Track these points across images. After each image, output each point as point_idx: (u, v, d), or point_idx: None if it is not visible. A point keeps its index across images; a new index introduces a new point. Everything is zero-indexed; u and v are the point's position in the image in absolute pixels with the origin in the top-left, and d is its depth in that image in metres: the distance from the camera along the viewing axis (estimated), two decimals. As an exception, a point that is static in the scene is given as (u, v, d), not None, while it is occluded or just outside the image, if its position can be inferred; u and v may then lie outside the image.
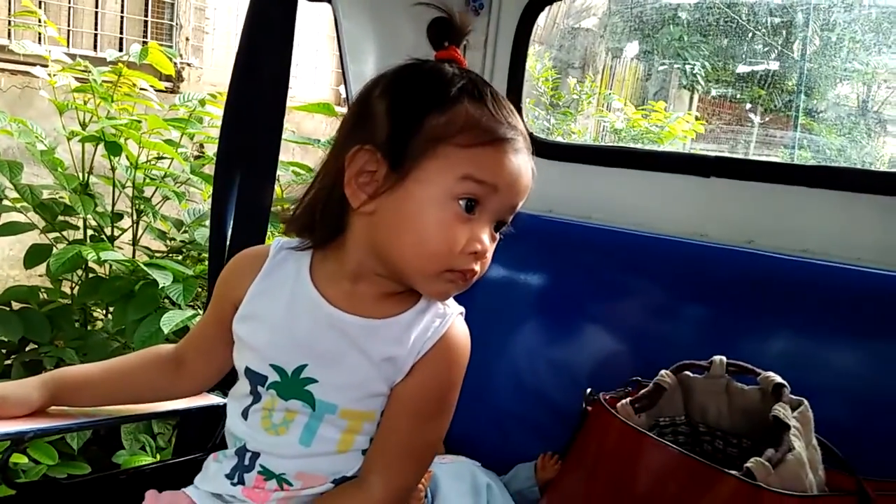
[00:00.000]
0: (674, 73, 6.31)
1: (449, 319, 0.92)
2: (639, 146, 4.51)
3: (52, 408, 1.04)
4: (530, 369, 1.45)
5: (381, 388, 0.90)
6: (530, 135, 1.49)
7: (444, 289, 0.88)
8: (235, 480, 0.94)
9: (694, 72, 5.94)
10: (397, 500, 0.92)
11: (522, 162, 0.87)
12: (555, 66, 5.13)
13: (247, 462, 0.94)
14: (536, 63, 4.49)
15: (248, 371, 0.95)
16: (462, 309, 0.95)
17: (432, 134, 0.85)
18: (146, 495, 0.99)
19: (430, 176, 0.85)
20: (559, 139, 4.41)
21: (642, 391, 0.99)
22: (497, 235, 0.89)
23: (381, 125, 0.87)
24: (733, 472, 0.83)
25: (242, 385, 0.96)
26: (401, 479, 0.91)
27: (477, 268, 0.86)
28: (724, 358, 1.01)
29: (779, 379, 0.97)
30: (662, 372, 0.99)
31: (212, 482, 0.97)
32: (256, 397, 0.94)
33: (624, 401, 0.96)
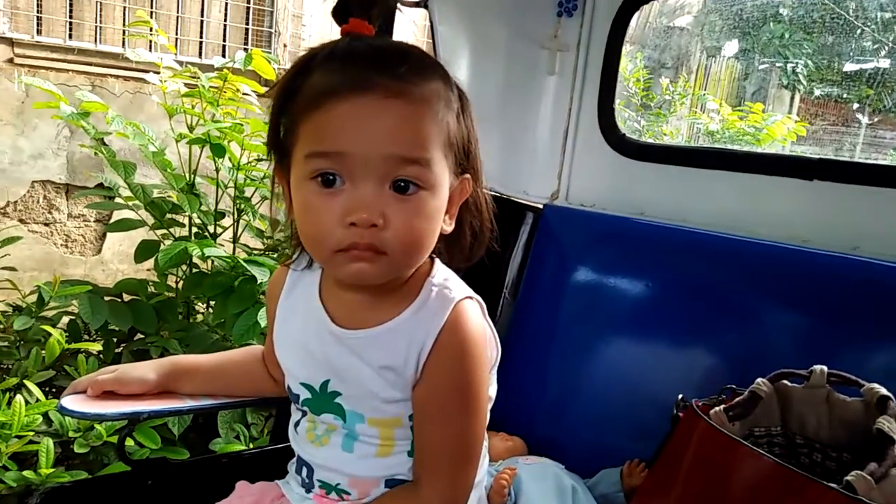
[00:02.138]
0: (773, 73, 6.04)
1: (446, 311, 0.86)
2: (737, 147, 4.35)
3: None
4: (619, 374, 1.43)
5: (392, 394, 0.89)
6: (621, 135, 1.45)
7: (349, 270, 0.81)
8: (307, 490, 0.99)
9: (796, 70, 5.66)
10: (452, 501, 0.90)
11: (367, 107, 0.77)
12: (647, 65, 5.01)
13: (306, 475, 0.98)
14: (628, 63, 4.40)
15: (288, 389, 0.99)
16: (468, 293, 0.90)
17: (292, 120, 0.82)
18: (237, 486, 1.04)
19: (294, 163, 0.82)
20: (650, 140, 4.32)
21: (737, 399, 0.96)
22: (405, 195, 0.80)
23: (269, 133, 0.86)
24: (833, 485, 0.80)
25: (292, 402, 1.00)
26: (448, 482, 0.89)
27: (363, 239, 0.79)
28: (825, 368, 0.97)
29: (884, 391, 0.92)
30: (759, 380, 0.96)
31: (294, 485, 1.01)
32: (301, 412, 0.99)
33: (717, 408, 0.93)
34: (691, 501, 0.94)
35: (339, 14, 0.86)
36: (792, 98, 6.11)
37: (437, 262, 0.94)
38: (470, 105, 0.91)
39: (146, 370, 1.07)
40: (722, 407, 0.95)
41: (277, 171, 0.88)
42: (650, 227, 1.47)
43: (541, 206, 1.61)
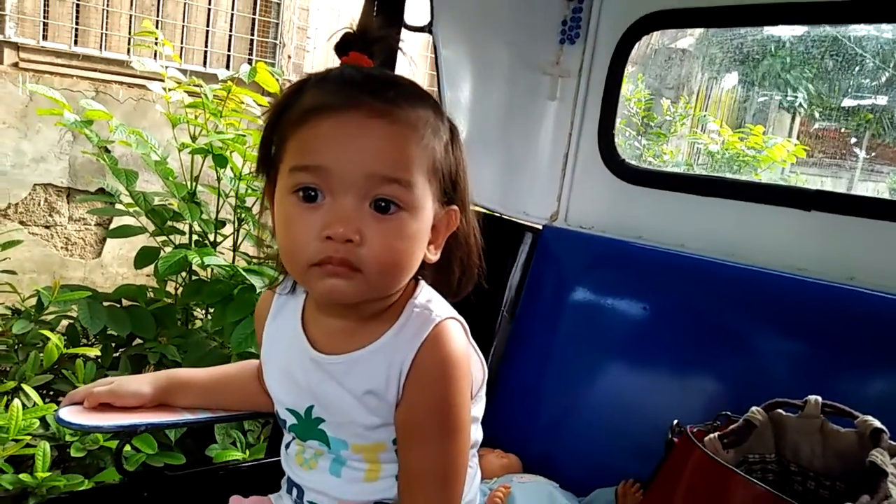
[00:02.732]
0: (774, 96, 6.10)
1: (426, 331, 0.86)
2: (736, 176, 4.37)
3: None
4: (615, 394, 1.44)
5: (373, 420, 0.89)
6: (621, 160, 1.47)
7: (323, 286, 0.81)
8: None
9: (796, 99, 5.72)
10: None
11: (351, 125, 0.79)
12: (648, 86, 5.06)
13: (296, 496, 0.99)
14: (629, 84, 4.44)
15: (276, 415, 1.00)
16: (450, 314, 0.90)
17: (280, 137, 0.84)
18: (231, 500, 1.04)
19: (279, 178, 0.84)
20: (651, 165, 4.33)
21: (731, 426, 0.97)
22: (385, 215, 0.80)
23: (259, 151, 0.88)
24: (825, 515, 0.81)
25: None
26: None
27: (337, 253, 0.79)
28: (819, 398, 0.98)
29: (878, 423, 0.93)
30: (753, 409, 0.98)
31: (287, 499, 1.02)
32: (290, 436, 0.99)
33: (712, 435, 0.95)
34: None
35: (341, 48, 0.87)
36: (792, 122, 6.16)
37: (423, 283, 0.93)
38: (460, 139, 0.92)
39: (142, 383, 1.08)
40: (717, 434, 0.96)
41: (267, 190, 0.89)
42: (648, 251, 1.48)
43: (540, 227, 1.62)
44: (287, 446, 1.01)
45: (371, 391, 0.88)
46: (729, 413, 1.03)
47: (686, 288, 1.41)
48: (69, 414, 1.01)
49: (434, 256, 0.89)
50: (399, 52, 0.96)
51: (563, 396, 1.48)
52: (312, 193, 0.80)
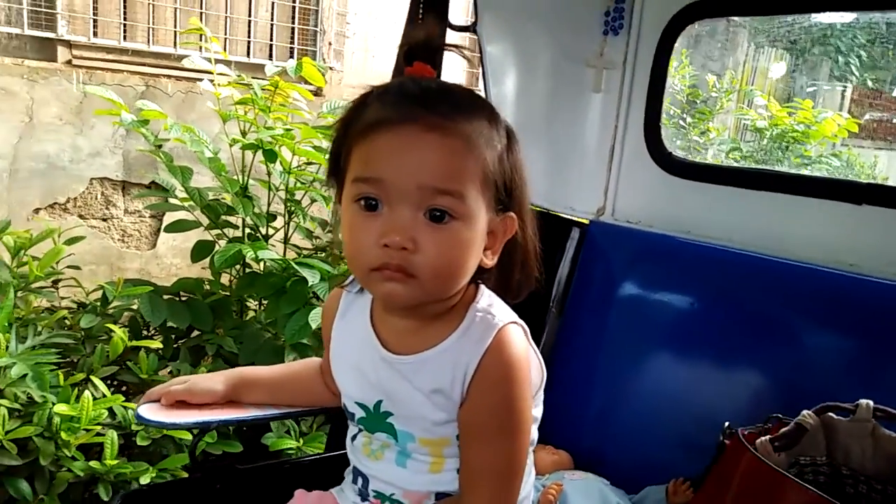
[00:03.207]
0: (824, 67, 5.90)
1: (490, 336, 0.90)
2: (785, 170, 4.26)
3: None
4: (664, 390, 1.45)
5: (440, 416, 0.94)
6: (667, 153, 1.46)
7: (382, 290, 0.87)
8: (362, 498, 1.04)
9: (848, 69, 5.51)
10: None
11: (406, 139, 0.84)
12: (691, 61, 4.95)
13: (362, 485, 1.04)
14: (673, 61, 4.33)
15: (344, 407, 1.05)
16: (512, 318, 0.94)
17: (346, 149, 0.90)
18: (295, 494, 1.11)
19: (345, 187, 0.90)
20: (696, 144, 4.26)
21: (783, 430, 0.98)
22: (439, 224, 0.85)
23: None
24: (877, 518, 0.83)
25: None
26: (494, 498, 0.93)
27: (393, 260, 0.84)
28: (871, 402, 0.99)
29: (930, 426, 0.94)
30: (805, 412, 0.99)
31: (350, 493, 1.07)
32: (357, 428, 1.04)
33: (763, 438, 0.96)
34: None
35: (406, 58, 0.93)
36: (843, 95, 5.96)
37: (483, 288, 0.98)
38: (517, 145, 0.95)
39: (215, 382, 1.14)
40: (768, 437, 0.97)
41: (337, 197, 0.95)
42: (695, 245, 1.48)
43: (587, 222, 1.63)
44: (353, 438, 1.06)
45: (438, 390, 0.93)
46: (780, 415, 1.04)
47: (734, 283, 1.41)
48: (148, 411, 1.07)
49: (491, 262, 0.93)
50: (455, 52, 0.99)
51: (611, 392, 1.50)
52: (373, 203, 0.86)
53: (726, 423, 1.05)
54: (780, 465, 0.92)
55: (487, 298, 0.97)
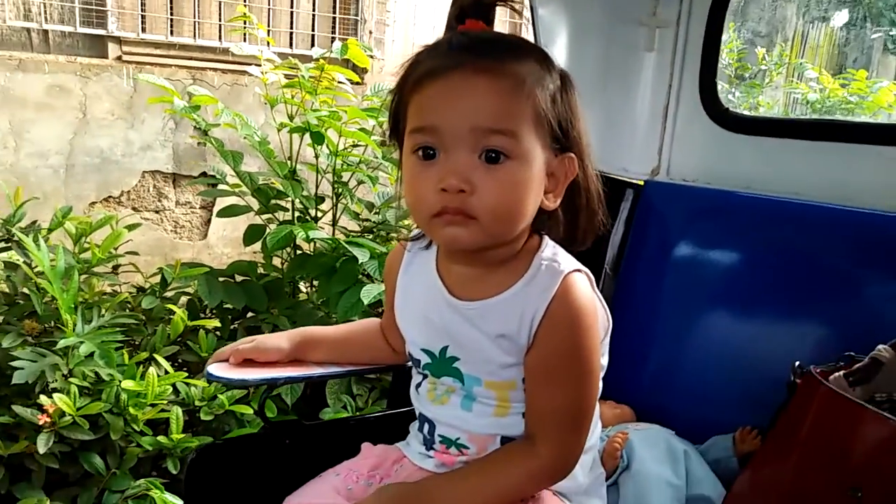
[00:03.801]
0: (877, 36, 5.70)
1: (556, 283, 0.91)
2: (848, 118, 4.13)
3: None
4: (724, 345, 1.43)
5: (507, 359, 0.95)
6: (723, 109, 1.44)
7: (444, 234, 0.89)
8: (427, 447, 1.06)
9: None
10: (564, 462, 0.95)
11: (456, 85, 0.85)
12: (740, 35, 4.84)
13: (427, 431, 1.05)
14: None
15: (409, 355, 1.07)
16: (577, 266, 0.94)
17: (402, 105, 0.91)
18: (363, 447, 1.13)
19: (404, 142, 0.91)
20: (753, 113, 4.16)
21: (857, 365, 0.97)
22: (495, 165, 0.86)
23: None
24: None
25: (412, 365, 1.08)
26: (562, 442, 0.93)
27: (452, 203, 0.85)
28: (951, 336, 0.96)
29: None
30: (880, 346, 0.97)
31: (415, 444, 1.09)
32: (422, 375, 1.05)
33: (838, 373, 0.94)
34: (811, 467, 0.96)
35: (457, 18, 0.95)
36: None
37: (546, 238, 0.98)
38: (574, 88, 0.95)
39: (281, 340, 1.17)
40: (842, 372, 0.95)
41: (399, 156, 0.96)
42: (754, 199, 1.46)
43: (641, 183, 1.62)
44: (417, 386, 1.07)
45: (503, 335, 0.94)
46: (853, 353, 1.02)
47: (796, 234, 1.38)
48: (217, 370, 1.10)
49: (552, 204, 0.94)
50: (506, 6, 1.00)
51: (672, 348, 1.48)
52: (431, 152, 0.88)
53: (796, 362, 1.03)
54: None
55: (552, 248, 0.97)
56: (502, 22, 3.88)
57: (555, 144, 0.91)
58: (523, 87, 0.87)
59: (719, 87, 1.60)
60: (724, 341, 1.42)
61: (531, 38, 1.61)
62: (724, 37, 1.61)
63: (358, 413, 2.32)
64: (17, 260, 2.11)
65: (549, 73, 0.91)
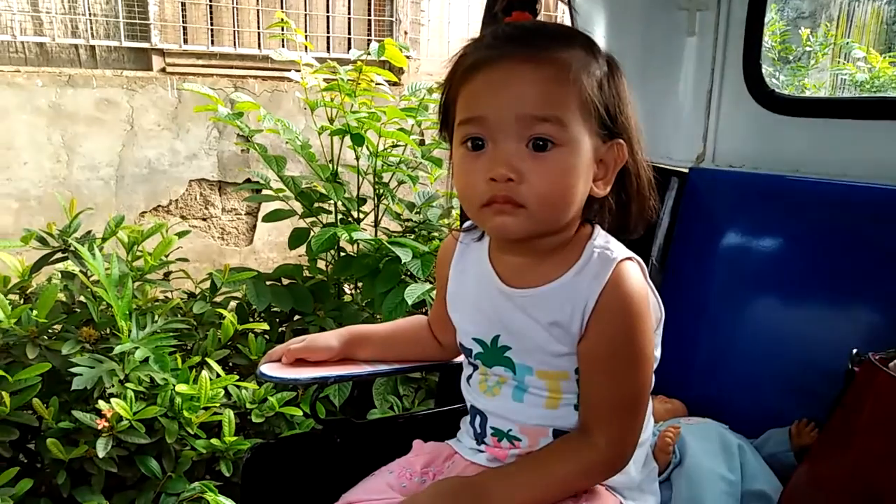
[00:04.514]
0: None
1: (608, 271, 0.90)
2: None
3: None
4: (777, 335, 1.39)
5: (559, 348, 0.94)
6: (769, 91, 1.40)
7: (493, 223, 0.90)
8: (478, 442, 1.06)
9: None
10: (621, 450, 0.94)
11: (501, 74, 0.86)
12: (782, 16, 4.71)
13: (479, 424, 1.05)
14: (761, 17, 4.13)
15: (461, 345, 1.07)
16: (629, 254, 0.93)
17: (451, 98, 0.92)
18: (414, 444, 1.13)
19: (454, 134, 0.92)
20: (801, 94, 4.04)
21: (919, 352, 0.93)
22: (542, 153, 0.86)
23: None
24: None
25: (463, 356, 1.08)
26: (617, 432, 0.93)
27: (501, 192, 0.86)
28: None
29: None
30: (944, 331, 0.93)
31: (466, 440, 1.09)
32: (473, 367, 1.05)
33: (898, 361, 0.91)
34: (872, 458, 0.93)
35: (504, 11, 0.98)
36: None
37: (598, 227, 0.98)
38: (621, 74, 0.95)
39: (330, 339, 1.19)
40: (904, 360, 0.92)
41: (451, 149, 0.97)
42: (805, 182, 1.42)
43: (686, 170, 1.59)
44: (469, 378, 1.08)
45: (556, 323, 0.94)
46: (915, 339, 0.98)
47: (846, 217, 1.33)
48: (269, 370, 1.12)
49: (602, 191, 0.93)
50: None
51: (723, 339, 1.45)
52: (480, 143, 0.89)
53: (854, 350, 0.99)
54: (921, 388, 0.87)
55: (604, 237, 0.97)
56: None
57: (603, 131, 0.91)
58: (568, 73, 0.87)
59: (763, 70, 1.56)
60: (776, 331, 1.38)
61: (569, 29, 1.60)
62: (766, 17, 1.57)
63: (405, 412, 2.34)
64: (74, 269, 2.18)
65: (595, 60, 0.91)
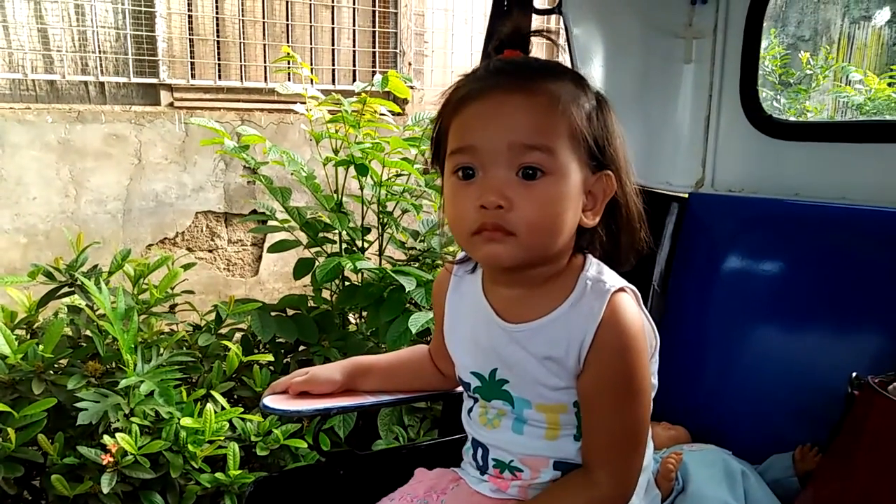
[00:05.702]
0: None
1: (603, 304, 0.90)
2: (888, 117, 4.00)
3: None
4: (779, 360, 1.39)
5: (556, 382, 0.94)
6: (766, 116, 1.41)
7: (484, 252, 0.90)
8: (482, 472, 1.05)
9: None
10: (625, 486, 0.93)
11: (492, 104, 0.88)
12: (782, 40, 4.74)
13: (481, 456, 1.05)
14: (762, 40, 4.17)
15: (459, 379, 1.07)
16: (622, 284, 0.93)
17: (443, 130, 0.93)
18: (416, 472, 1.13)
19: (445, 165, 0.93)
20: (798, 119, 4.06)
21: (919, 375, 0.92)
22: (532, 181, 0.87)
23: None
24: None
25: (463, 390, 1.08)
26: (619, 468, 0.92)
27: (490, 219, 0.87)
28: None
29: None
30: (944, 355, 0.92)
31: (469, 469, 1.09)
32: (473, 399, 1.05)
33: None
34: (875, 482, 0.92)
35: (496, 50, 0.98)
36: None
37: (590, 257, 0.98)
38: (610, 108, 0.96)
39: (333, 371, 1.19)
40: (905, 384, 0.91)
41: (441, 180, 0.98)
42: (804, 206, 1.42)
43: (685, 196, 1.59)
44: (469, 411, 1.07)
45: (551, 357, 0.93)
46: (916, 362, 0.97)
47: (847, 240, 1.34)
48: (272, 402, 1.12)
49: (592, 222, 0.94)
50: (542, 37, 1.02)
51: (725, 365, 1.45)
52: (470, 172, 0.90)
53: (853, 374, 0.99)
54: (923, 412, 0.86)
55: (597, 266, 0.97)
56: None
57: (592, 162, 0.92)
58: (558, 103, 0.88)
59: (763, 95, 1.57)
60: (778, 356, 1.38)
61: (567, 64, 1.62)
62: (765, 43, 1.58)
63: (409, 442, 2.32)
64: (81, 304, 2.19)
65: (584, 93, 0.93)
